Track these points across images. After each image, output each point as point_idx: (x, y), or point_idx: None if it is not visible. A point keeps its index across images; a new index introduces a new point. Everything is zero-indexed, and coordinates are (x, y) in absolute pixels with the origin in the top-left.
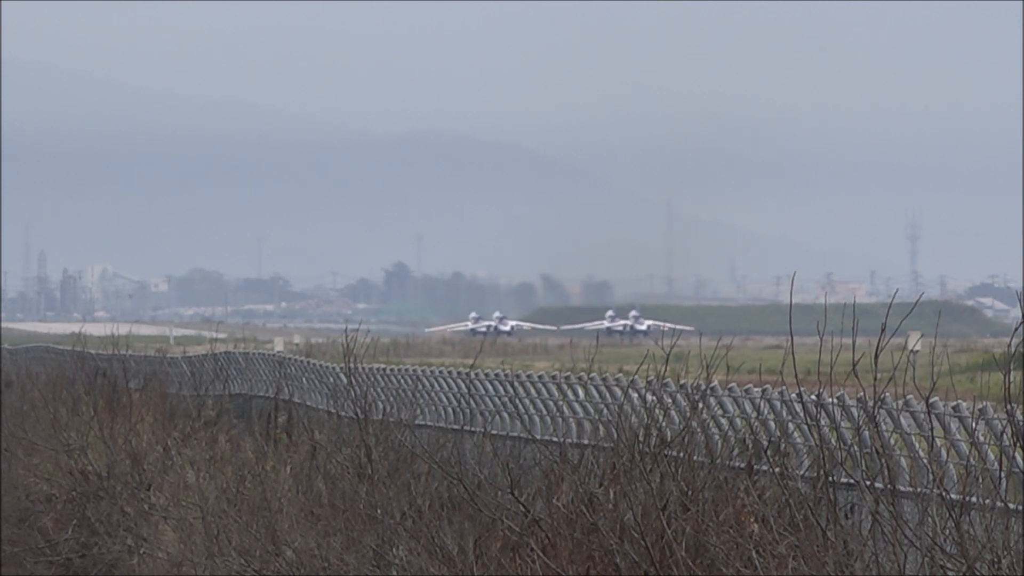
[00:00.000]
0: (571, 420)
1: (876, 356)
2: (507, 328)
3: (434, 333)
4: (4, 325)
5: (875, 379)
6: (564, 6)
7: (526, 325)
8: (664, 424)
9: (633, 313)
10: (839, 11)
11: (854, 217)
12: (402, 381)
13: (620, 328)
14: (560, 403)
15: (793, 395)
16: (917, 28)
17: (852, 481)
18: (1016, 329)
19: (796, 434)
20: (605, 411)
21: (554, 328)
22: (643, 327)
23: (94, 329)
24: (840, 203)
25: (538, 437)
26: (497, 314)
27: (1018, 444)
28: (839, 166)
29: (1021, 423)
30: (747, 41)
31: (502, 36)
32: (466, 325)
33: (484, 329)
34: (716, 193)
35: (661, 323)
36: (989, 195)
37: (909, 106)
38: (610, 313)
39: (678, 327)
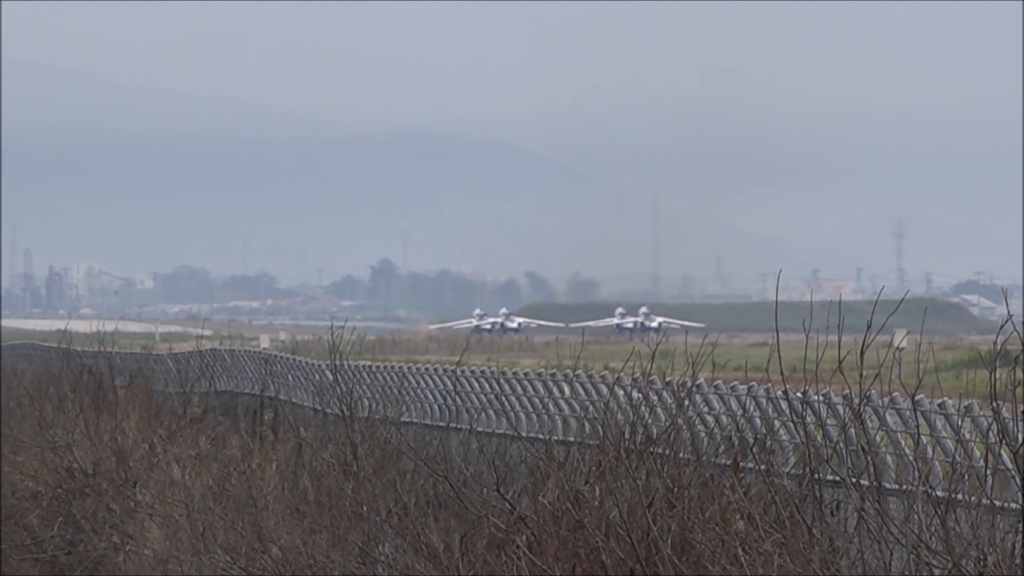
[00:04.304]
0: (557, 417)
1: (862, 353)
2: (514, 325)
3: (433, 330)
4: None
5: (861, 376)
6: (552, 4)
7: (533, 323)
8: (650, 421)
9: (643, 310)
10: (836, 10)
11: (840, 215)
12: (388, 378)
13: (630, 325)
14: (546, 400)
15: (779, 392)
16: (916, 28)
17: (838, 478)
18: (1002, 326)
19: (782, 431)
20: (591, 408)
21: (562, 325)
22: (654, 324)
23: (80, 326)
24: (826, 201)
25: (524, 434)
26: (504, 311)
27: (1003, 441)
28: (825, 164)
29: (1006, 420)
30: (737, 40)
31: (489, 34)
32: (470, 322)
33: (489, 326)
34: (703, 191)
35: (672, 320)
36: (975, 192)
37: (898, 105)
38: (620, 310)
39: (688, 324)
